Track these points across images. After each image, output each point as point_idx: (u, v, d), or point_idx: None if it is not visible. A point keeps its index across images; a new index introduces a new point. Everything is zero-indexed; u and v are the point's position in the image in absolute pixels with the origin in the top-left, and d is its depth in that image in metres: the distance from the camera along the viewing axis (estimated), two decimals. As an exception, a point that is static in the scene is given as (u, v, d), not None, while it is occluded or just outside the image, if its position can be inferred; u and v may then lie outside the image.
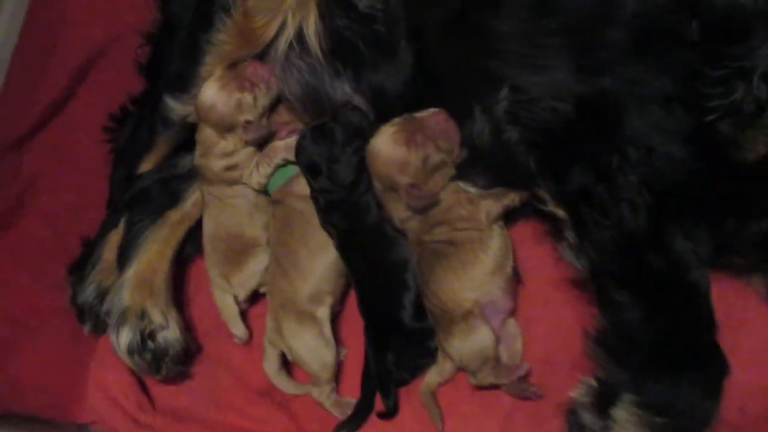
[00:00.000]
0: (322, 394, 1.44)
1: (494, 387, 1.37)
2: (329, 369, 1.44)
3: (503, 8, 1.29)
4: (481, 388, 1.38)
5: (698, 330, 1.16)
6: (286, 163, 1.56)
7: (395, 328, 1.43)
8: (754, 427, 1.23)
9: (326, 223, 1.48)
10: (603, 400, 1.17)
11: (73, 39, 1.94)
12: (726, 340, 1.18)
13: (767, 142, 1.08)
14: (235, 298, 1.55)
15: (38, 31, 1.98)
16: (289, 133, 1.58)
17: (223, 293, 1.55)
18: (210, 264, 1.57)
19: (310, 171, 1.49)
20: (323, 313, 1.47)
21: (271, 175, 1.56)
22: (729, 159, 1.11)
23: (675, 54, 1.12)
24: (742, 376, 1.18)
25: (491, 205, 1.40)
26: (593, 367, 1.20)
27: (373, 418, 1.42)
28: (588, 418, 1.18)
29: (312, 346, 1.44)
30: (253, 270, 1.54)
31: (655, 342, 1.16)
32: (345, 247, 1.47)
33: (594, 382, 1.19)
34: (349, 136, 1.47)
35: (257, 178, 1.55)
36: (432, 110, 1.42)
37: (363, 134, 1.47)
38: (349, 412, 1.41)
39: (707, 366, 1.15)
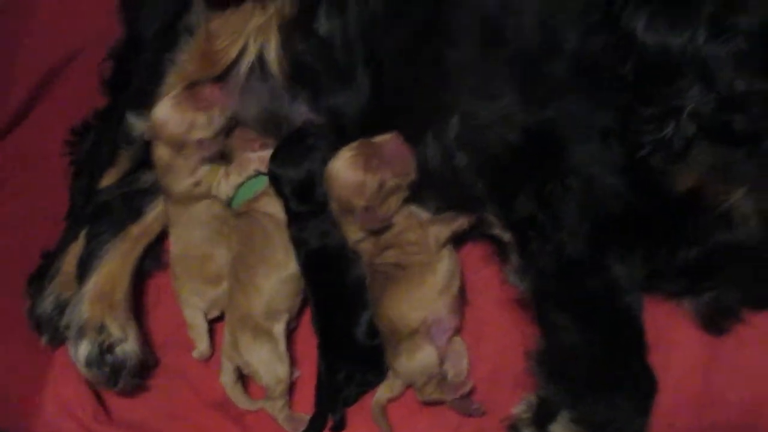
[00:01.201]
0: (276, 408, 1.45)
1: (442, 403, 1.39)
2: (283, 384, 1.46)
3: (455, 39, 1.33)
4: (429, 404, 1.40)
5: (631, 351, 1.21)
6: (257, 174, 1.59)
7: (349, 345, 1.46)
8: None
9: (298, 241, 1.51)
10: (543, 417, 1.21)
11: (37, 50, 1.96)
12: (657, 359, 1.22)
13: (694, 176, 1.13)
14: (205, 315, 1.56)
15: (1, 41, 1.98)
16: (261, 147, 1.61)
17: (194, 311, 1.57)
18: (180, 283, 1.58)
19: (296, 189, 1.52)
20: (279, 329, 1.49)
21: (240, 186, 1.59)
22: (661, 191, 1.15)
23: (612, 91, 1.16)
24: (671, 394, 1.23)
25: (440, 231, 1.44)
26: (535, 384, 1.24)
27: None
28: None
29: (267, 362, 1.46)
30: (223, 291, 1.56)
31: (591, 362, 1.20)
32: (309, 265, 1.50)
33: (535, 399, 1.23)
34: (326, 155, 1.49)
35: (225, 189, 1.58)
36: (388, 135, 1.45)
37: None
38: (301, 427, 1.43)
39: (639, 384, 1.19)
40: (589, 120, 1.20)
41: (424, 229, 1.45)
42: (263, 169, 1.58)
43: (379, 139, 1.46)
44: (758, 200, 1.13)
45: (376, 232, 1.45)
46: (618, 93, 1.15)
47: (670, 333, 1.30)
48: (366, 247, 1.46)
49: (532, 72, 1.26)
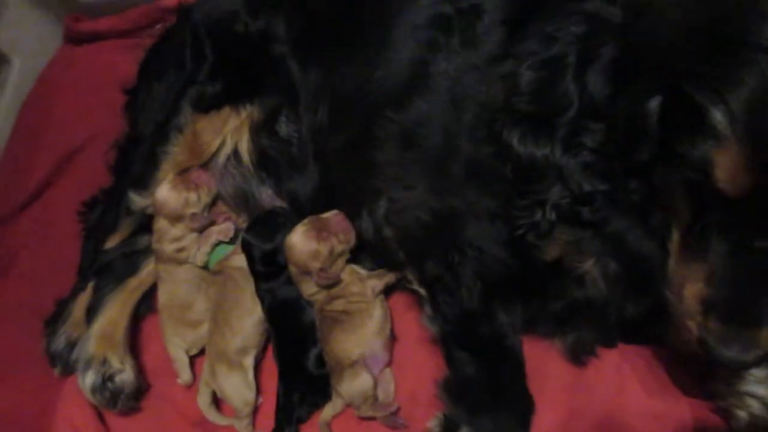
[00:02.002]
0: (242, 426, 1.46)
1: (372, 418, 1.41)
2: (250, 406, 1.47)
3: (380, 144, 1.37)
4: (363, 419, 1.42)
5: (513, 379, 1.24)
6: (220, 242, 1.62)
7: (302, 373, 1.48)
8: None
9: (263, 295, 1.53)
10: (448, 430, 1.23)
11: (57, 137, 1.96)
12: (534, 385, 1.26)
13: (557, 250, 1.17)
14: (186, 351, 1.57)
15: (28, 129, 2.00)
16: (224, 220, 1.65)
17: (176, 348, 1.57)
18: (165, 326, 1.59)
19: (264, 257, 1.54)
20: (248, 362, 1.50)
21: (210, 252, 1.61)
22: (533, 259, 1.19)
23: (496, 186, 1.20)
24: (545, 412, 1.27)
25: (376, 284, 1.47)
26: (443, 405, 1.27)
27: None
28: None
29: (238, 388, 1.47)
30: (202, 333, 1.57)
31: (483, 388, 1.23)
32: (272, 311, 1.52)
33: (442, 416, 1.26)
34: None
35: (200, 256, 1.61)
36: (333, 212, 1.50)
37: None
38: None
39: (520, 405, 1.23)
40: (481, 206, 1.23)
41: (364, 283, 1.47)
42: (224, 239, 1.61)
43: (325, 215, 1.49)
44: (602, 267, 1.17)
45: (329, 287, 1.47)
46: (501, 187, 1.19)
47: (544, 365, 1.33)
48: (318, 298, 1.48)
49: (438, 170, 1.29)
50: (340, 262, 1.48)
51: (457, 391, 1.25)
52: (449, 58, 1.30)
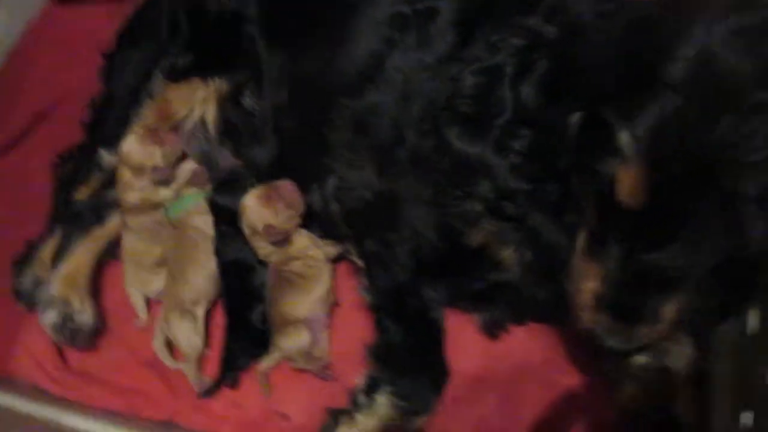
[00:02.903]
0: (189, 370, 1.47)
1: (306, 371, 1.43)
2: (197, 352, 1.47)
3: (335, 125, 1.36)
4: (297, 370, 1.44)
5: (433, 348, 1.27)
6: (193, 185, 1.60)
7: (247, 327, 1.49)
8: (465, 403, 1.34)
9: (220, 252, 1.52)
10: (371, 388, 1.25)
11: (37, 91, 1.90)
12: (451, 353, 1.28)
13: (482, 237, 1.19)
14: (144, 296, 1.57)
15: (9, 81, 1.93)
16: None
17: (136, 292, 1.57)
18: (127, 272, 1.58)
19: (228, 216, 1.53)
20: (200, 312, 1.50)
21: (178, 190, 1.59)
22: (461, 244, 1.21)
23: (434, 175, 1.21)
24: (458, 379, 1.30)
25: (329, 250, 1.49)
26: (369, 365, 1.29)
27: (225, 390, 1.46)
28: (361, 398, 1.25)
29: (188, 334, 1.47)
30: (160, 279, 1.57)
31: (405, 354, 1.25)
32: (226, 268, 1.52)
33: (368, 375, 1.28)
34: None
35: (166, 192, 1.58)
36: (286, 181, 1.50)
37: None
38: (204, 386, 1.45)
39: (436, 372, 1.26)
40: (419, 192, 1.24)
41: (320, 249, 1.48)
42: (197, 181, 1.60)
43: (278, 182, 1.49)
44: (519, 256, 1.20)
45: (281, 247, 1.47)
46: (438, 178, 1.20)
47: (462, 336, 1.36)
48: (273, 259, 1.48)
49: (385, 155, 1.29)
50: (289, 225, 1.47)
51: (382, 354, 1.27)
52: (403, 55, 1.29)
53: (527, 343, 1.35)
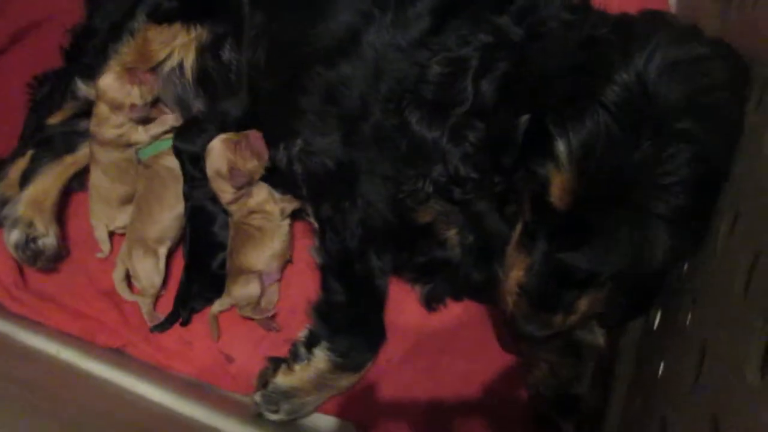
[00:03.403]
0: (144, 304, 1.53)
1: (251, 319, 1.50)
2: (155, 288, 1.53)
3: (307, 91, 1.39)
4: (244, 318, 1.50)
5: (373, 311, 1.33)
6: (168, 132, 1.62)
7: (205, 271, 1.54)
8: (397, 367, 1.42)
9: (188, 196, 1.56)
10: (311, 342, 1.31)
11: (18, 9, 1.91)
12: (389, 319, 1.36)
13: (430, 215, 1.26)
14: (106, 226, 1.61)
15: None
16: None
17: (99, 221, 1.61)
18: (92, 203, 1.61)
19: (191, 160, 1.57)
20: (162, 250, 1.55)
21: (156, 137, 1.62)
22: (410, 219, 1.28)
23: (393, 152, 1.26)
24: (395, 341, 1.38)
25: (285, 205, 1.53)
26: (311, 321, 1.36)
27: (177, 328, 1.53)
28: (301, 351, 1.32)
29: (149, 271, 1.52)
30: (124, 213, 1.61)
31: (346, 314, 1.32)
32: (192, 214, 1.56)
33: (309, 330, 1.35)
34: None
35: (144, 137, 1.61)
36: (254, 131, 1.52)
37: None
38: (156, 321, 1.51)
39: (373, 331, 1.32)
40: (377, 167, 1.29)
41: (277, 203, 1.52)
42: (175, 123, 1.62)
43: (247, 132, 1.52)
44: (462, 237, 1.28)
45: (243, 195, 1.51)
46: (396, 155, 1.26)
47: (401, 304, 1.44)
48: (234, 209, 1.50)
49: (350, 126, 1.33)
50: (253, 171, 1.50)
51: (324, 312, 1.33)
52: (379, 33, 1.32)
53: (460, 318, 1.44)
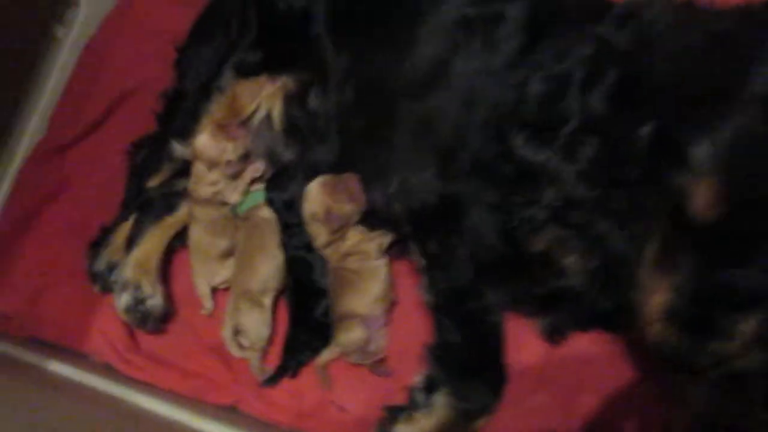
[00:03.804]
0: (253, 358, 1.50)
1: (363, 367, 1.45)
2: (264, 341, 1.50)
3: (398, 128, 1.35)
4: (354, 365, 1.46)
5: (493, 352, 1.25)
6: (254, 183, 1.64)
7: (309, 319, 1.51)
8: (522, 408, 1.33)
9: (286, 245, 1.55)
10: (429, 388, 1.24)
11: (113, 79, 1.95)
12: (510, 357, 1.27)
13: (544, 243, 1.18)
14: (209, 284, 1.60)
15: (87, 70, 1.99)
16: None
17: (201, 279, 1.60)
18: (194, 261, 1.62)
19: (286, 206, 1.57)
20: (268, 302, 1.52)
21: (244, 191, 1.63)
22: (523, 250, 1.19)
23: (498, 181, 1.19)
24: (516, 383, 1.29)
25: (381, 240, 1.48)
26: (428, 365, 1.28)
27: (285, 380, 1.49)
28: (420, 397, 1.24)
29: (257, 323, 1.49)
30: (226, 269, 1.60)
31: (464, 356, 1.24)
32: (292, 262, 1.55)
33: (426, 375, 1.28)
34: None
35: (235, 194, 1.63)
36: (350, 174, 1.50)
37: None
38: (265, 375, 1.48)
39: (495, 375, 1.24)
40: (483, 197, 1.22)
41: (372, 241, 1.48)
42: (256, 174, 1.63)
43: (344, 175, 1.50)
44: (583, 263, 1.18)
45: (338, 238, 1.48)
46: (501, 183, 1.19)
47: (521, 340, 1.35)
48: (329, 252, 1.46)
49: (447, 158, 1.27)
50: (349, 215, 1.48)
51: (441, 354, 1.26)
52: (468, 59, 1.28)
53: (587, 351, 1.34)
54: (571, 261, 1.20)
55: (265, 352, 1.53)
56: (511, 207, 1.18)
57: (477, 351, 1.24)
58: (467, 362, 1.23)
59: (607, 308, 1.21)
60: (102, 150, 1.89)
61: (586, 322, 1.33)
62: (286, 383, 1.46)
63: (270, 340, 1.53)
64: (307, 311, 1.52)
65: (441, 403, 1.22)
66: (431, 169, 1.30)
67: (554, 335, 1.32)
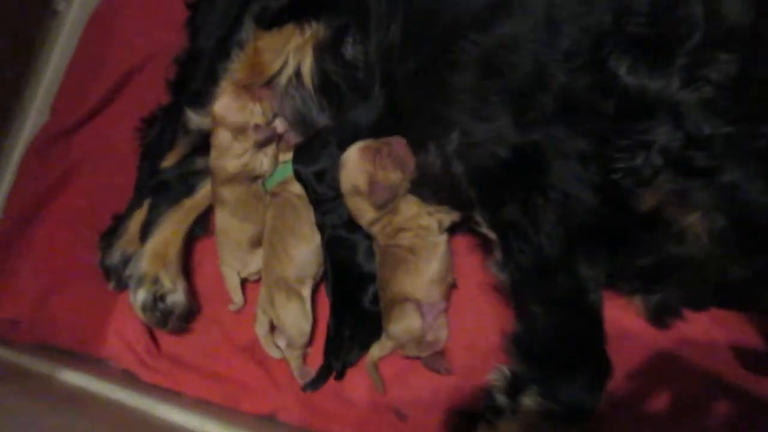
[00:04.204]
0: (293, 357, 1.33)
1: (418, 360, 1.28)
2: (305, 337, 1.33)
3: (459, 67, 1.17)
4: (409, 361, 1.29)
5: (592, 340, 1.06)
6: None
7: (356, 309, 1.32)
8: (628, 411, 1.14)
9: (321, 226, 1.37)
10: (515, 388, 1.08)
11: (119, 53, 1.83)
12: (609, 346, 1.08)
13: (657, 198, 0.99)
14: (238, 274, 1.44)
15: (92, 45, 1.88)
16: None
17: (230, 269, 1.44)
18: (222, 249, 1.46)
19: (318, 178, 1.37)
20: (307, 292, 1.36)
21: (274, 158, 1.44)
22: (626, 208, 1.01)
23: (592, 122, 1.01)
24: (621, 379, 1.11)
25: (443, 218, 1.29)
26: (508, 360, 1.10)
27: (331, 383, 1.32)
28: (502, 399, 1.08)
29: (295, 317, 1.33)
30: (257, 257, 1.43)
31: (558, 347, 1.06)
32: (329, 244, 1.36)
33: (508, 372, 1.09)
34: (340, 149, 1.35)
35: (267, 162, 1.44)
36: (396, 137, 1.31)
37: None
38: (308, 377, 1.31)
39: (597, 368, 1.05)
40: (570, 144, 1.03)
41: (431, 215, 1.29)
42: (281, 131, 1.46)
43: (389, 138, 1.31)
44: (710, 223, 0.97)
45: (386, 213, 1.29)
46: (597, 124, 1.00)
47: (621, 323, 1.15)
48: (378, 229, 1.29)
49: (523, 101, 1.10)
50: (396, 184, 1.29)
51: (527, 346, 1.08)
52: None
53: (711, 335, 1.12)
54: (692, 220, 0.98)
55: (306, 351, 1.35)
56: (611, 154, 0.98)
57: (573, 340, 1.06)
58: (561, 354, 1.06)
59: (739, 279, 1.00)
60: (111, 132, 1.76)
61: (707, 299, 1.12)
62: (331, 386, 1.31)
63: (311, 336, 1.35)
64: (352, 301, 1.32)
65: (529, 407, 1.05)
66: (502, 116, 1.12)
67: (664, 316, 1.15)
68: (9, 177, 1.81)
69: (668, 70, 0.90)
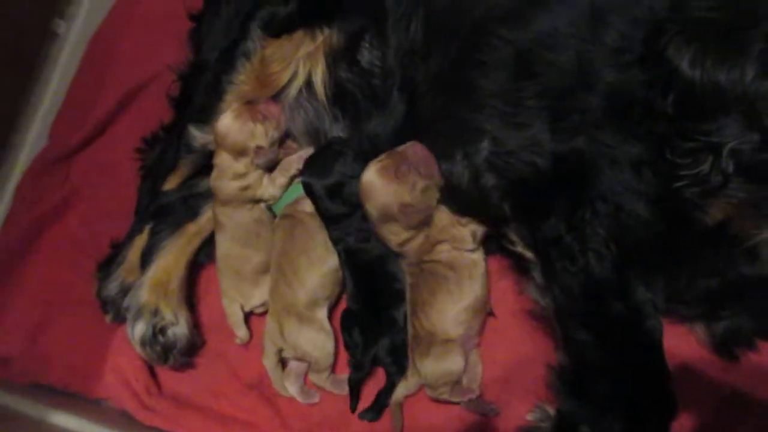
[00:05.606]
0: (322, 379, 1.26)
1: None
2: (330, 356, 1.26)
3: (488, 68, 1.10)
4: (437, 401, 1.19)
5: (652, 373, 0.96)
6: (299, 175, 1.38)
7: (391, 328, 1.23)
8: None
9: (336, 239, 1.29)
10: (562, 429, 0.98)
11: (121, 73, 1.77)
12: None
13: (725, 210, 0.90)
14: (242, 306, 1.36)
15: (93, 67, 1.81)
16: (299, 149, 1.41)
17: (231, 301, 1.37)
18: (222, 277, 1.38)
19: (330, 193, 1.29)
20: (321, 314, 1.29)
21: (286, 187, 1.38)
22: (688, 221, 0.92)
23: (647, 123, 0.93)
24: (686, 418, 1.01)
25: (476, 228, 1.21)
26: (552, 397, 1.00)
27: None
28: None
29: (315, 340, 1.26)
30: (261, 288, 1.36)
31: (613, 382, 0.96)
32: (348, 259, 1.28)
33: (552, 412, 1.00)
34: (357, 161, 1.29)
35: (272, 190, 1.37)
36: (409, 143, 1.23)
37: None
38: (345, 386, 1.23)
39: (658, 406, 0.95)
40: (621, 150, 0.94)
41: (464, 226, 1.22)
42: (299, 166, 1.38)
43: (401, 147, 1.24)
44: None
45: (421, 225, 1.23)
46: (653, 126, 0.92)
47: (682, 354, 1.07)
48: (413, 247, 1.23)
49: (562, 104, 1.03)
50: (428, 198, 1.21)
51: (575, 381, 0.99)
52: None
53: None
54: (766, 235, 0.90)
55: (332, 372, 1.28)
56: (672, 160, 0.89)
57: (630, 374, 0.96)
58: (615, 390, 0.95)
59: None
60: (113, 155, 1.68)
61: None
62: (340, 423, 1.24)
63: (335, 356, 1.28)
64: (387, 320, 1.24)
65: (582, 450, 0.95)
66: (539, 121, 1.04)
67: (732, 347, 1.07)
68: (4, 205, 1.74)
69: (741, 59, 0.82)
